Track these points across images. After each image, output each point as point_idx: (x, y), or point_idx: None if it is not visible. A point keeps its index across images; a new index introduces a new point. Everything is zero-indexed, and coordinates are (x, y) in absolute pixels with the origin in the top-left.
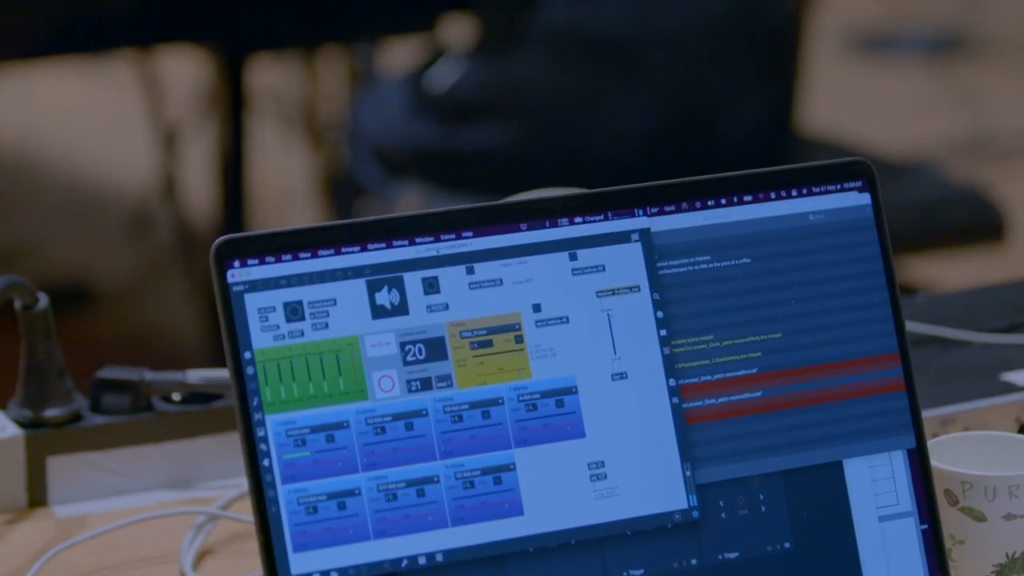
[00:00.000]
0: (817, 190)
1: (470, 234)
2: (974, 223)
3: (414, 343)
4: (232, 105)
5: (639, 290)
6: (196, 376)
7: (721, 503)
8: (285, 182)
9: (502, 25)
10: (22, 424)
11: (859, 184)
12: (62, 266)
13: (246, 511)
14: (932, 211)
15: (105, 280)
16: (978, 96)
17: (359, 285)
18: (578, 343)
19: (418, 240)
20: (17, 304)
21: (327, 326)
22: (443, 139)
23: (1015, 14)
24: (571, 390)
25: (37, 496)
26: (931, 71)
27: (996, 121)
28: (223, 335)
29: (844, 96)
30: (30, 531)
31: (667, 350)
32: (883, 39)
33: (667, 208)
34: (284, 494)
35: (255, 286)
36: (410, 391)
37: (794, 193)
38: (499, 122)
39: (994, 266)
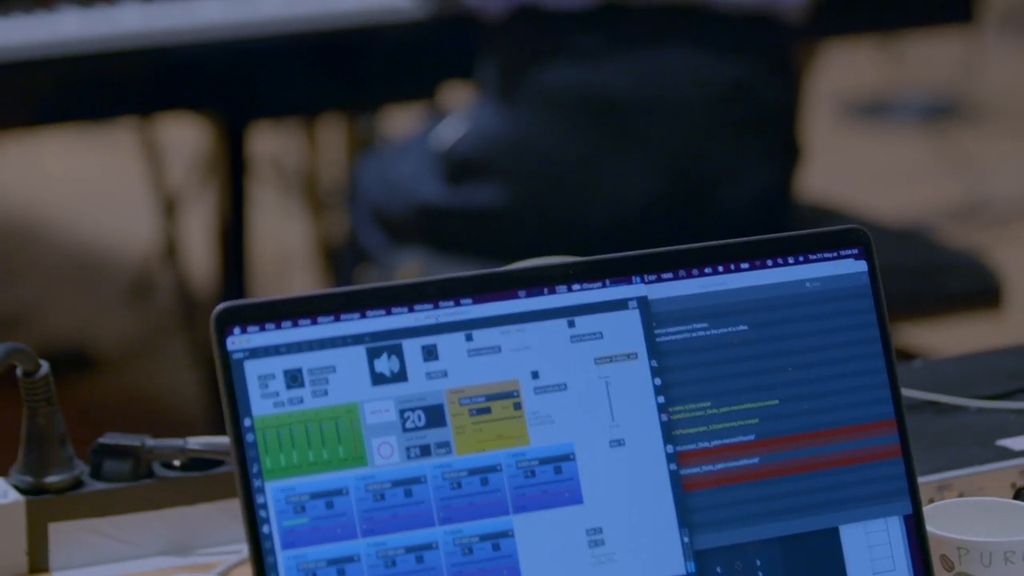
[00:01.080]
0: (814, 258)
1: (469, 301)
2: (970, 289)
3: (413, 410)
4: (232, 171)
5: (637, 357)
6: (196, 443)
7: (719, 569)
8: (285, 248)
9: (507, 84)
10: (23, 490)
11: (855, 252)
12: (64, 331)
13: None
14: (928, 277)
15: (106, 345)
16: (974, 161)
17: (359, 352)
18: (576, 410)
19: (417, 307)
20: (19, 371)
21: (327, 393)
22: (443, 202)
23: (1009, 80)
24: (569, 456)
25: (38, 562)
26: (927, 137)
27: (992, 186)
28: (223, 402)
29: (841, 162)
30: None
31: (665, 417)
32: (879, 105)
33: (664, 275)
34: (284, 560)
35: (255, 353)
36: (409, 457)
37: (791, 261)
38: (499, 185)
39: (991, 332)
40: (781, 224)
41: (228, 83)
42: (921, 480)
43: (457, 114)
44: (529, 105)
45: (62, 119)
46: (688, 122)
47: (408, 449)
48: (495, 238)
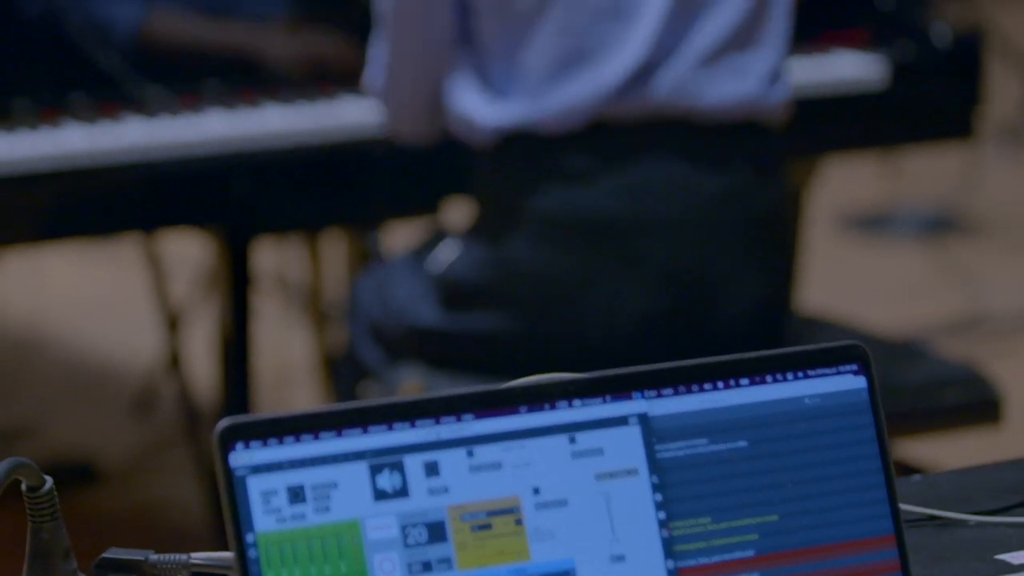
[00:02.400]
0: (812, 373)
1: (470, 416)
2: (970, 403)
3: (415, 526)
4: (235, 286)
5: (637, 473)
6: (200, 557)
7: None
8: (288, 360)
9: (500, 208)
10: None
11: (854, 368)
12: (67, 444)
13: None
14: (927, 391)
15: (110, 458)
16: (973, 275)
17: (361, 468)
18: (577, 525)
19: (419, 423)
20: (23, 485)
21: (329, 509)
22: (439, 325)
23: (1007, 194)
24: (570, 572)
25: None
26: (926, 250)
27: (991, 300)
28: (226, 518)
29: (840, 275)
30: None
31: (666, 532)
32: (878, 218)
33: (664, 391)
34: None
35: (258, 469)
36: (411, 573)
37: (790, 376)
38: (494, 309)
39: (990, 446)
40: (779, 335)
41: (231, 199)
42: None
43: (453, 237)
44: (522, 229)
45: (65, 234)
46: (681, 236)
47: (410, 565)
48: (493, 358)
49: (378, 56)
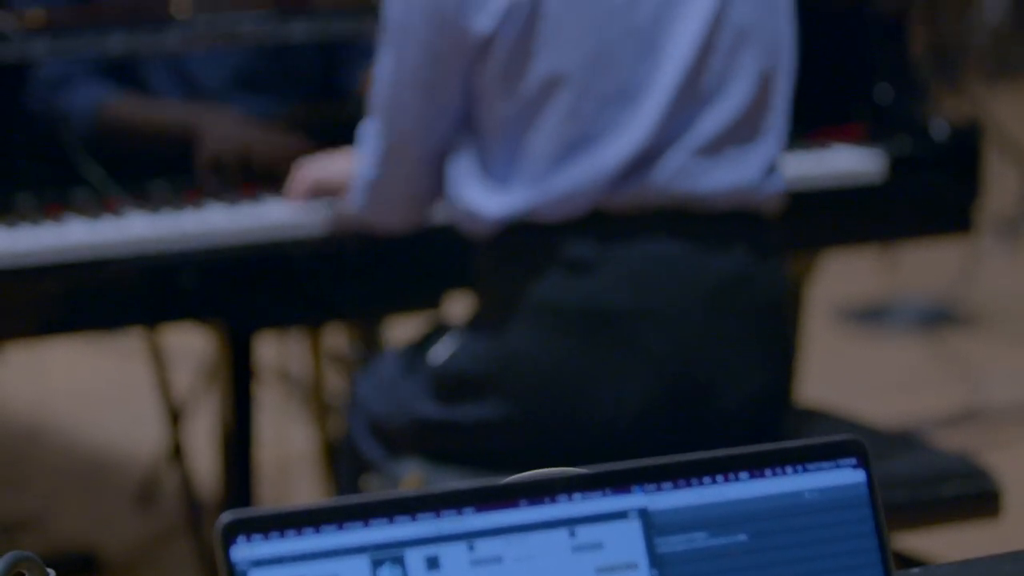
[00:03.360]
0: (812, 467)
1: (471, 510)
2: (968, 495)
3: None
4: (237, 378)
5: (637, 567)
6: None
7: None
8: (289, 453)
9: (500, 298)
10: None
11: (853, 462)
12: (70, 536)
13: None
14: (926, 483)
15: (113, 550)
16: (971, 367)
17: (362, 562)
18: None
19: (420, 516)
20: None
21: None
22: (438, 418)
23: (1005, 287)
24: None
25: None
26: (924, 342)
27: (989, 392)
28: None
29: (838, 367)
30: None
31: None
32: (876, 310)
33: (664, 485)
34: None
35: (260, 563)
36: None
37: (789, 470)
38: (494, 401)
39: (989, 538)
40: (779, 426)
41: (233, 294)
42: None
43: (453, 330)
44: (522, 318)
45: (68, 329)
46: (682, 325)
47: None
48: (493, 450)
49: (367, 148)
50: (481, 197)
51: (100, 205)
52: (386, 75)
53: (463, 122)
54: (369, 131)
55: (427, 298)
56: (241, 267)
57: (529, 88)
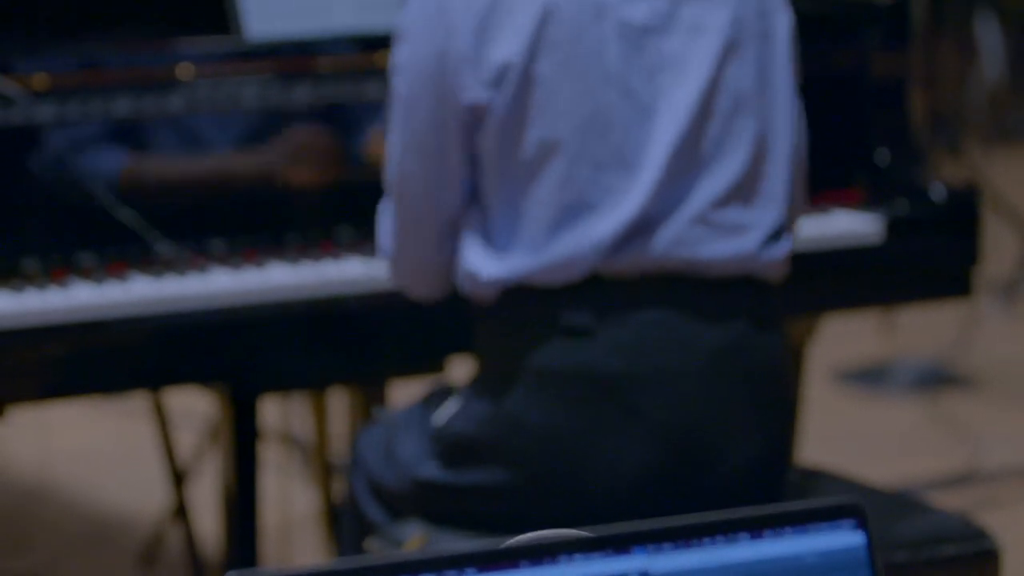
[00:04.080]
0: (811, 529)
1: (473, 571)
2: (967, 556)
3: None
4: (240, 440)
5: None
6: None
7: None
8: (292, 514)
9: (500, 362)
10: None
11: (852, 523)
12: None
13: None
14: (925, 544)
15: None
16: (969, 430)
17: None
18: None
19: None
20: None
21: None
22: (440, 480)
23: (1003, 349)
24: None
25: None
26: (922, 404)
27: (987, 454)
28: None
29: (837, 428)
30: None
31: None
32: (874, 372)
33: (664, 547)
34: None
35: None
36: None
37: (789, 532)
38: (494, 464)
39: None
40: (779, 489)
41: (237, 357)
42: None
43: (455, 392)
44: (522, 383)
45: (72, 392)
46: (681, 390)
47: None
48: (495, 513)
49: (386, 223)
50: (482, 261)
51: (104, 270)
52: (395, 149)
53: (472, 192)
54: (385, 208)
55: (431, 362)
56: (245, 328)
57: (525, 154)
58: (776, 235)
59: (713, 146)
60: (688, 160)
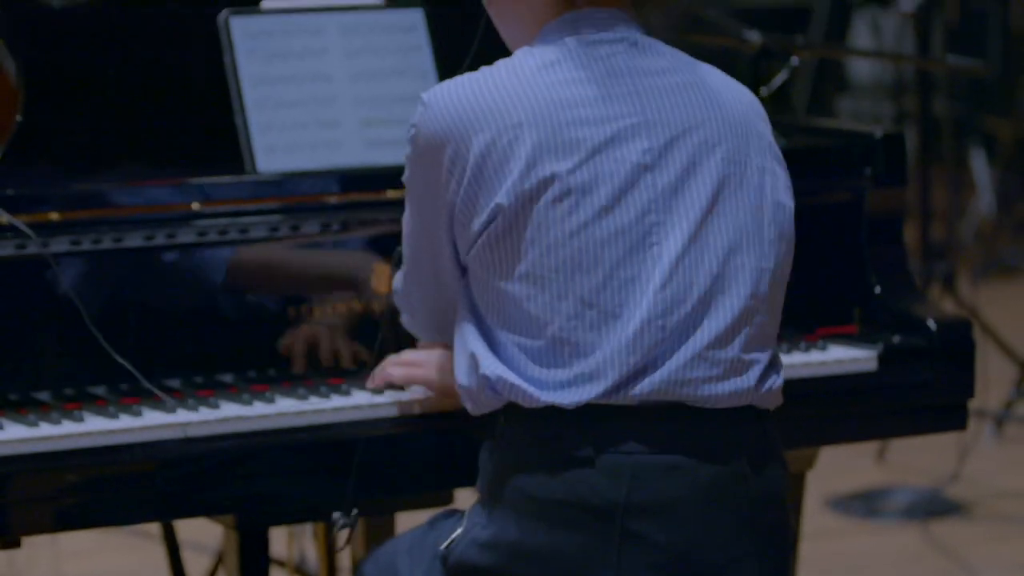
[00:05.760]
0: None
1: None
2: None
3: None
4: (250, 570)
5: None
6: None
7: None
8: None
9: (502, 489)
10: None
11: None
12: None
13: None
14: None
15: None
16: (962, 558)
17: None
18: None
19: None
20: None
21: None
22: None
23: (995, 479)
24: None
25: None
26: (916, 531)
27: None
28: None
29: (830, 554)
30: None
31: None
32: (869, 499)
33: None
34: None
35: None
36: None
37: None
38: None
39: None
40: None
41: (244, 489)
42: None
43: (459, 516)
44: (523, 511)
45: (84, 524)
46: (681, 518)
47: None
48: None
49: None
50: (490, 364)
51: (118, 404)
52: (406, 227)
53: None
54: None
55: (439, 494)
56: (251, 460)
57: (515, 286)
58: (772, 365)
59: (712, 284)
60: (682, 302)
